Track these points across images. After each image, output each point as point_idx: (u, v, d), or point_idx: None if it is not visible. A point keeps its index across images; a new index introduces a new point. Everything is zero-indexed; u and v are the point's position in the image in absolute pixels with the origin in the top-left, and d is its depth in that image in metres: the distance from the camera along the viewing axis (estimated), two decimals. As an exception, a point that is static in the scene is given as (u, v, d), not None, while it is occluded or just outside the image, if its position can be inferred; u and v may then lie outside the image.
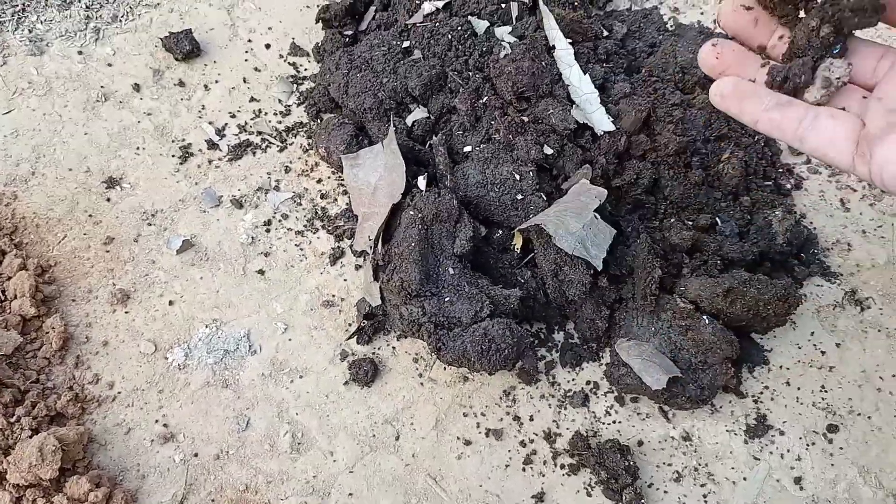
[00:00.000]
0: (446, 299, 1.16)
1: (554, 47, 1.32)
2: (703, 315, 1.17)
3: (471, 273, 1.20)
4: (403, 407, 1.21)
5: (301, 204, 1.38)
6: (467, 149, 1.29)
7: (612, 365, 1.21)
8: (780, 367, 1.26)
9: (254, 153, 1.42)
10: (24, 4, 1.52)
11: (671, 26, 1.58)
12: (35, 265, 1.25)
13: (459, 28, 1.38)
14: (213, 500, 1.12)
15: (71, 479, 1.06)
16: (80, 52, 1.51)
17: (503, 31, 1.38)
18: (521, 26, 1.38)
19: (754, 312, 1.16)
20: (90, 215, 1.34)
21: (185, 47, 1.48)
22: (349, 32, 1.51)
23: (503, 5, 1.43)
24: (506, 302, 1.17)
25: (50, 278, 1.26)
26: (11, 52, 1.50)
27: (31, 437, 1.08)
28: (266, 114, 1.47)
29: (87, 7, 1.54)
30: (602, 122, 1.27)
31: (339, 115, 1.39)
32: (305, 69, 1.53)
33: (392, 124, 1.27)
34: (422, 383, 1.23)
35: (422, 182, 1.22)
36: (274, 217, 1.36)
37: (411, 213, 1.18)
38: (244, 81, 1.50)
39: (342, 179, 1.40)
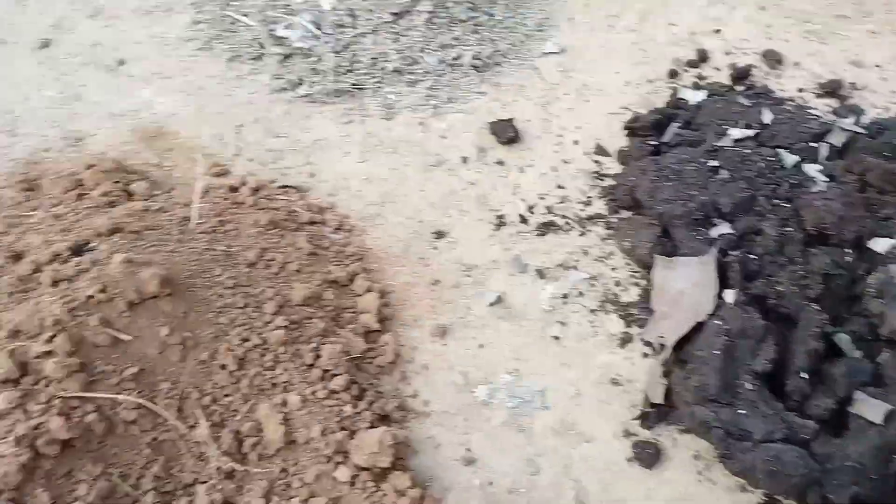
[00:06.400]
0: (741, 411, 1.34)
1: None
2: None
3: (768, 392, 1.38)
4: (680, 498, 1.39)
5: (595, 286, 1.65)
6: None
7: None
8: None
9: (557, 233, 1.73)
10: (381, 78, 1.98)
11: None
12: (378, 289, 1.60)
13: (770, 158, 1.64)
14: (501, 527, 1.36)
15: (395, 474, 1.34)
16: (420, 123, 1.93)
17: (813, 169, 1.62)
18: (831, 167, 1.62)
19: None
20: (421, 258, 1.69)
21: (509, 134, 1.85)
22: (653, 143, 1.81)
23: (811, 144, 1.68)
24: (801, 431, 1.32)
25: (386, 302, 1.60)
26: (369, 113, 1.94)
27: (368, 428, 1.38)
28: (570, 201, 1.79)
29: (429, 88, 1.96)
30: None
31: (645, 216, 1.66)
32: (608, 168, 1.85)
33: (716, 247, 1.52)
34: (700, 481, 1.40)
35: (729, 296, 1.45)
36: (571, 292, 1.64)
37: (718, 322, 1.41)
38: (553, 170, 1.84)
39: (636, 272, 1.66)
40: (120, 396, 1.27)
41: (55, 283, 1.30)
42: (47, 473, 1.21)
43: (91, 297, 1.27)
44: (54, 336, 1.25)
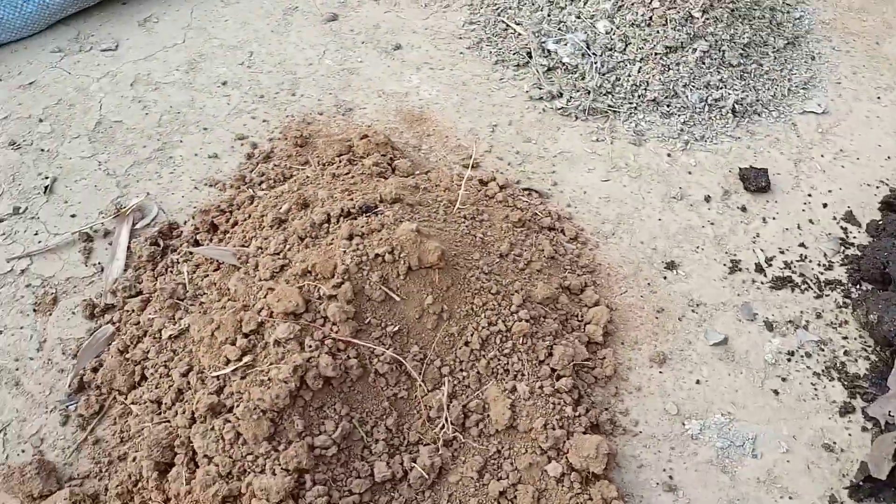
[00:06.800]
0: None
1: None
2: None
3: None
4: (881, 574, 1.38)
5: (823, 350, 1.65)
6: None
7: None
8: None
9: (792, 290, 1.74)
10: (637, 105, 2.05)
11: None
12: (605, 304, 1.68)
13: None
14: (693, 559, 1.40)
15: (603, 482, 1.42)
16: (668, 155, 1.99)
17: None
18: None
19: None
20: (648, 284, 1.75)
21: (761, 183, 1.87)
22: (912, 223, 1.77)
23: None
24: None
25: (610, 319, 1.68)
26: (618, 136, 2.03)
27: (583, 433, 1.46)
28: (810, 261, 1.78)
29: (683, 123, 2.02)
30: None
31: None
32: (854, 237, 1.82)
33: None
34: (904, 565, 1.39)
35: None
36: (797, 351, 1.65)
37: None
38: (798, 227, 1.84)
39: (869, 345, 1.64)
40: (379, 349, 1.44)
41: (351, 237, 1.48)
42: (306, 403, 1.38)
43: (379, 255, 1.44)
44: (341, 283, 1.43)
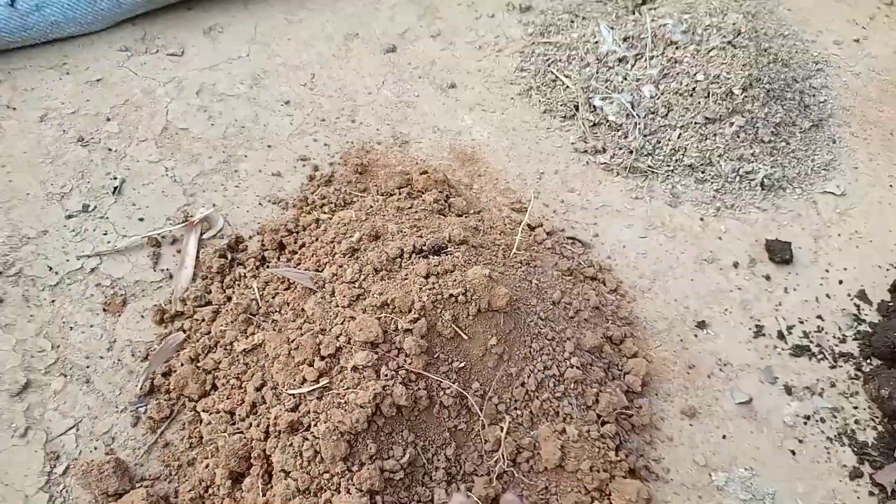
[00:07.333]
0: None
1: None
2: None
3: None
4: None
5: (836, 417, 1.79)
6: None
7: None
8: None
9: (809, 358, 1.88)
10: (674, 168, 2.18)
11: None
12: (643, 355, 1.79)
13: None
14: None
15: (637, 524, 1.53)
16: (701, 219, 2.12)
17: None
18: None
19: None
20: (681, 339, 1.87)
21: (786, 256, 2.01)
22: (921, 308, 1.93)
23: None
24: None
25: (648, 371, 1.79)
26: (655, 195, 2.15)
27: (623, 477, 1.57)
28: (826, 333, 1.93)
29: (716, 190, 2.15)
30: None
31: (904, 371, 1.79)
32: (866, 315, 1.97)
33: None
34: None
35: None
36: (813, 416, 1.78)
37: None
38: (816, 300, 1.99)
39: (876, 416, 1.79)
40: (446, 382, 1.53)
41: (427, 275, 1.57)
42: (378, 429, 1.47)
43: (453, 296, 1.53)
44: (417, 319, 1.51)
